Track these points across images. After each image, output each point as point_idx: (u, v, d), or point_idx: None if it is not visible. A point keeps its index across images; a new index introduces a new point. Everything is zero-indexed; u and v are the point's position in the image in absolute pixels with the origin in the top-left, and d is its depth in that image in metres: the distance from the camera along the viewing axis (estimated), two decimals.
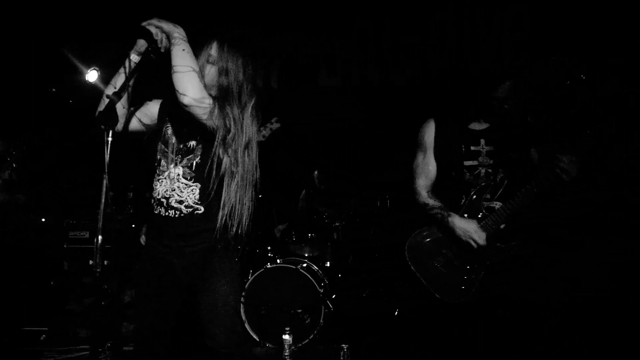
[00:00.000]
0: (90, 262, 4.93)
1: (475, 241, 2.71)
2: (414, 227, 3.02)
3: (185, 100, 2.09)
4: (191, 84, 2.10)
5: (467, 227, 2.73)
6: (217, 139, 2.24)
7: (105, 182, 1.88)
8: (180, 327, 2.51)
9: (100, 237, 1.89)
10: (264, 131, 3.87)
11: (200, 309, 2.32)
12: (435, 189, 2.96)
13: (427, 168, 2.96)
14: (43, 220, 5.07)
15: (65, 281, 4.93)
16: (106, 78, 5.68)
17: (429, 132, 2.97)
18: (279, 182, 5.98)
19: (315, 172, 5.86)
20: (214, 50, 2.34)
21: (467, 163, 2.85)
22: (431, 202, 2.89)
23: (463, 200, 2.83)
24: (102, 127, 1.87)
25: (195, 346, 2.50)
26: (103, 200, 1.90)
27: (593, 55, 4.51)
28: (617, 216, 3.74)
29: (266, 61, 6.23)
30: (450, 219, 2.77)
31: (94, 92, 5.83)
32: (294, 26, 5.84)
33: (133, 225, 4.86)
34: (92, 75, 5.97)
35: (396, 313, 4.52)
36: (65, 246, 4.95)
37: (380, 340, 4.22)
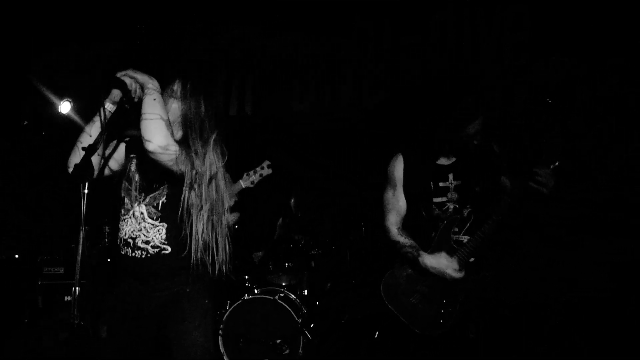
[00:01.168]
0: (67, 297, 4.86)
1: (450, 275, 2.75)
2: (389, 252, 3.06)
3: (151, 147, 2.12)
4: (158, 131, 2.13)
5: (439, 264, 2.77)
6: (185, 183, 2.26)
7: (82, 233, 1.89)
8: None
9: (77, 289, 1.90)
10: (253, 176, 3.78)
11: (172, 351, 2.31)
12: (406, 224, 3.01)
13: (397, 204, 3.01)
14: (16, 256, 5.00)
15: (39, 318, 4.85)
16: (79, 109, 5.71)
17: (398, 168, 3.01)
18: (255, 209, 5.99)
19: (292, 200, 5.89)
20: (176, 86, 2.40)
21: (436, 200, 2.91)
22: (402, 239, 2.94)
23: (433, 234, 2.89)
24: (80, 181, 1.89)
25: None
26: (80, 251, 1.91)
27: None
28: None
29: (238, 86, 6.25)
30: (420, 259, 2.81)
31: (68, 123, 5.81)
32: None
33: (109, 260, 4.82)
34: (65, 107, 5.95)
35: (376, 336, 4.54)
36: (39, 282, 4.87)
37: None
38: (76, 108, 5.94)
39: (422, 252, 2.83)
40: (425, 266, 2.80)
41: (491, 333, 2.83)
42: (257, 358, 4.29)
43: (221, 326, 4.40)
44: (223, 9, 5.77)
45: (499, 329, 2.86)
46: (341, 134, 6.19)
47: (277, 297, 4.53)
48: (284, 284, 4.99)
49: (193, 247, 2.28)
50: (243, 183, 3.87)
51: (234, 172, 3.59)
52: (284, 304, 4.47)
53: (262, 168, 3.85)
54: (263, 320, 4.46)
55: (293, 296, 4.77)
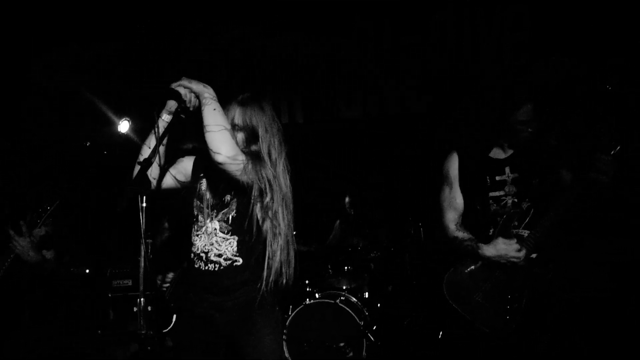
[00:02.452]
0: (135, 308, 5.02)
1: (514, 257, 2.69)
2: (448, 252, 3.02)
3: (219, 158, 2.12)
4: (224, 142, 2.13)
5: (498, 250, 2.72)
6: (252, 194, 2.29)
7: (143, 247, 1.95)
8: None
9: (143, 300, 1.96)
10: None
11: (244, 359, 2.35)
12: (464, 222, 2.97)
13: (454, 201, 2.98)
14: (87, 271, 5.21)
15: (111, 329, 5.04)
16: (138, 129, 5.90)
17: (453, 166, 2.99)
18: (312, 213, 6.03)
19: (347, 198, 5.88)
20: (237, 117, 2.37)
21: (492, 194, 2.86)
22: (460, 234, 2.90)
23: (491, 231, 2.83)
24: (137, 194, 1.95)
25: None
26: (142, 265, 1.97)
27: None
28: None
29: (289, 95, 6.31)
30: (480, 250, 2.77)
31: (127, 143, 6.03)
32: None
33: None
34: (124, 126, 6.16)
35: (440, 336, 4.48)
36: (109, 295, 5.07)
37: None
38: (135, 126, 6.17)
39: (480, 244, 2.79)
40: (485, 256, 2.75)
41: (560, 331, 2.75)
42: None
43: (285, 331, 4.44)
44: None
45: (567, 326, 2.77)
46: (391, 137, 6.17)
47: (338, 300, 4.53)
48: (344, 288, 4.99)
49: (267, 261, 2.32)
50: None
51: None
52: (345, 307, 4.47)
53: None
54: (325, 324, 4.47)
55: (354, 299, 4.76)
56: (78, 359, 4.95)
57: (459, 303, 2.82)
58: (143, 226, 1.93)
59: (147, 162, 2.06)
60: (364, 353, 4.34)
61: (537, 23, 5.04)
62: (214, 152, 2.13)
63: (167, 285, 3.29)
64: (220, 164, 2.15)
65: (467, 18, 5.35)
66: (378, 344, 4.48)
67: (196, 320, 2.41)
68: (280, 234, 2.33)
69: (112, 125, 6.22)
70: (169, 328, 4.26)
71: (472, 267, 2.85)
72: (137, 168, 2.08)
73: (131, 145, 6.03)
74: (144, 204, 1.97)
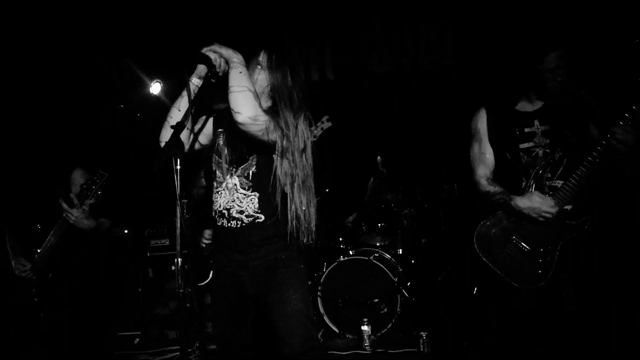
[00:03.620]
0: (173, 267, 5.15)
1: (547, 212, 2.65)
2: (484, 209, 2.98)
3: (240, 118, 2.15)
4: (246, 102, 2.16)
5: (532, 203, 2.68)
6: (276, 152, 2.29)
7: (178, 208, 1.97)
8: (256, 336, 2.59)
9: (180, 260, 2.00)
10: (315, 131, 3.84)
11: (273, 319, 2.37)
12: (495, 176, 2.92)
13: (484, 157, 2.93)
14: (126, 232, 5.35)
15: (151, 287, 5.20)
16: (168, 90, 5.91)
17: (481, 121, 2.95)
18: (344, 172, 6.01)
19: (378, 157, 5.84)
20: (262, 57, 2.42)
21: (522, 146, 2.82)
22: (492, 188, 2.85)
23: (524, 184, 2.78)
24: (171, 157, 1.96)
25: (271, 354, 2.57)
26: (178, 225, 1.99)
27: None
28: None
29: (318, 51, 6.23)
30: (513, 202, 2.73)
31: (159, 104, 6.07)
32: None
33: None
34: (155, 88, 6.20)
35: (475, 292, 4.48)
36: (148, 254, 5.21)
37: (460, 325, 4.19)
38: (166, 88, 6.19)
39: (513, 196, 2.74)
40: (518, 208, 2.71)
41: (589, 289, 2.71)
42: (356, 317, 4.36)
43: (319, 288, 4.51)
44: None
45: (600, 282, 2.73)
46: (424, 92, 6.06)
47: (372, 257, 4.56)
48: (378, 244, 5.02)
49: (289, 215, 2.33)
50: None
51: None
52: (379, 264, 4.50)
53: (322, 122, 3.91)
54: (359, 280, 4.52)
55: (388, 256, 4.79)
56: (121, 316, 5.17)
57: (489, 256, 2.79)
58: (178, 188, 1.94)
59: (181, 126, 2.06)
60: (398, 309, 4.39)
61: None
62: (235, 112, 2.16)
63: (208, 242, 3.35)
64: (241, 124, 2.17)
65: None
66: (412, 300, 4.52)
67: (226, 278, 2.45)
68: (297, 180, 2.33)
69: (144, 87, 6.27)
70: (205, 282, 4.37)
71: (504, 220, 2.82)
72: (170, 131, 2.09)
73: (163, 106, 6.09)
74: (178, 167, 1.98)
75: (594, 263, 2.88)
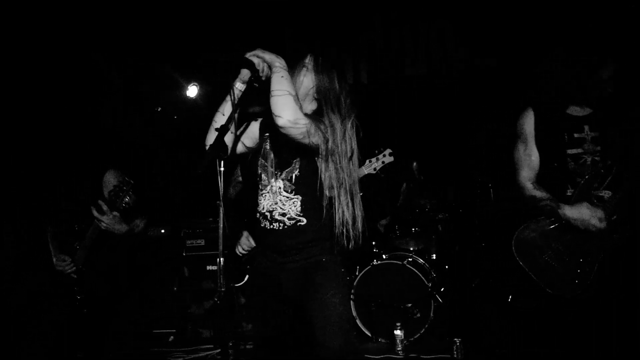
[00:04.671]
0: (209, 267, 5.24)
1: (595, 225, 2.60)
2: (519, 215, 2.94)
3: (280, 122, 2.17)
4: (286, 106, 2.18)
5: (581, 215, 2.63)
6: (319, 155, 2.31)
7: (221, 209, 2.01)
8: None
9: (222, 260, 2.04)
10: (375, 164, 3.78)
11: (311, 321, 2.35)
12: (539, 180, 2.87)
13: (529, 159, 2.87)
14: (162, 231, 5.46)
15: (186, 286, 5.29)
16: (206, 94, 5.99)
17: (529, 122, 2.88)
18: (378, 176, 5.99)
19: (414, 164, 5.82)
20: (308, 60, 2.44)
21: (570, 151, 2.76)
22: (538, 193, 2.80)
23: (569, 191, 2.74)
24: (215, 159, 2.00)
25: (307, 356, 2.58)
26: (221, 225, 2.04)
27: None
28: None
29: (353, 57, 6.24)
30: (560, 210, 2.68)
31: (195, 108, 6.16)
32: None
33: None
34: (192, 91, 6.31)
35: (509, 299, 4.42)
36: (184, 254, 5.30)
37: (493, 332, 4.15)
38: (203, 91, 6.29)
39: (561, 204, 2.69)
40: (565, 217, 2.66)
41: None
42: (389, 322, 4.35)
43: (352, 291, 4.52)
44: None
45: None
46: (458, 95, 6.01)
47: (405, 262, 4.56)
48: (411, 249, 5.01)
49: (335, 220, 2.33)
50: (365, 169, 3.89)
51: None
52: (413, 269, 4.49)
53: (384, 155, 3.79)
54: (393, 284, 4.52)
55: (421, 260, 4.78)
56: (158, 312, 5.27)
57: (526, 261, 2.75)
58: (221, 189, 1.98)
59: (225, 128, 2.10)
60: (431, 314, 4.37)
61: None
62: (276, 116, 2.18)
63: (244, 252, 3.39)
64: (281, 127, 2.19)
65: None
66: (446, 306, 4.50)
67: (264, 279, 2.48)
68: (345, 186, 2.33)
69: (181, 90, 6.37)
70: (241, 284, 4.42)
71: (546, 226, 2.77)
72: (214, 134, 2.13)
73: (199, 109, 6.18)
74: (222, 168, 2.02)
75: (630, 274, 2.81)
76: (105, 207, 3.10)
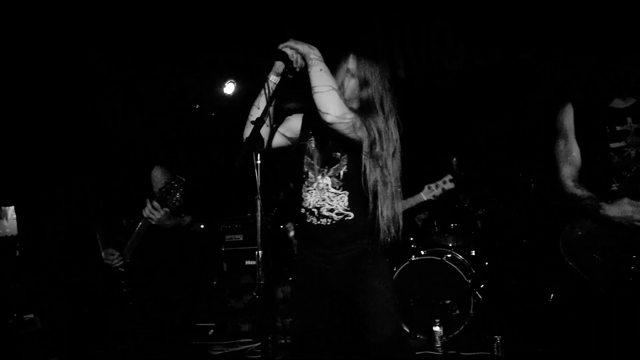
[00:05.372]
0: (247, 262, 5.29)
1: (638, 220, 2.51)
2: (561, 211, 2.87)
3: (328, 118, 2.18)
4: (332, 102, 2.18)
5: (623, 212, 2.54)
6: (363, 149, 2.31)
7: (259, 202, 2.03)
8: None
9: (261, 253, 2.05)
10: (435, 191, 3.76)
11: (360, 309, 2.38)
12: (582, 177, 2.79)
13: (570, 155, 2.80)
14: (202, 226, 5.55)
15: (225, 281, 5.36)
16: (242, 90, 6.03)
17: (568, 116, 2.82)
18: (415, 171, 5.93)
19: (454, 159, 5.73)
20: (351, 63, 2.43)
21: (613, 145, 2.68)
22: (579, 192, 2.73)
23: (615, 186, 2.65)
24: (252, 152, 2.02)
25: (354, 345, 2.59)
26: (259, 219, 2.05)
27: None
28: None
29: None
30: (601, 210, 2.60)
31: (233, 104, 6.22)
32: None
33: (281, 226, 5.15)
34: (229, 88, 6.38)
35: (551, 299, 4.32)
36: (222, 249, 5.38)
37: (535, 330, 4.06)
38: (240, 88, 6.35)
39: (602, 203, 2.61)
40: (607, 216, 2.58)
41: None
42: (427, 318, 4.31)
43: None
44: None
45: None
46: (497, 89, 5.89)
47: (444, 257, 4.50)
48: (450, 245, 4.95)
49: (377, 214, 2.33)
50: (425, 196, 3.87)
51: None
52: (452, 265, 4.43)
53: (445, 182, 3.83)
54: (431, 280, 4.47)
55: (461, 257, 4.71)
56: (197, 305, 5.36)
57: (575, 261, 2.68)
58: (258, 182, 2.00)
59: (260, 121, 2.12)
60: (471, 311, 4.31)
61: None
62: (323, 113, 2.18)
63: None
64: (329, 124, 2.20)
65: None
66: (486, 303, 4.42)
67: (310, 273, 2.50)
68: (389, 186, 2.34)
69: (218, 88, 6.45)
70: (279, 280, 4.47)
71: (592, 224, 2.69)
72: (250, 127, 2.15)
73: (237, 106, 6.24)
74: (259, 161, 2.04)
75: None
76: (157, 205, 3.15)
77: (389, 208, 2.33)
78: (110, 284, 3.32)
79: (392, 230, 2.34)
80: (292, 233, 3.31)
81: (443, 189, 3.74)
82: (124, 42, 5.56)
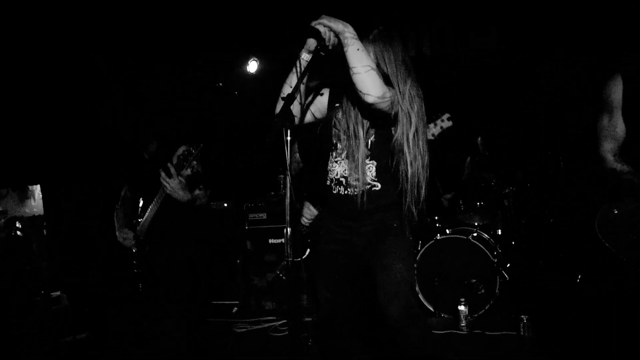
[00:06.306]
0: (270, 240, 5.30)
1: None
2: (591, 190, 2.80)
3: (370, 99, 2.14)
4: (373, 82, 2.13)
5: None
6: (393, 121, 2.28)
7: (288, 178, 2.01)
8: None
9: (289, 230, 2.04)
10: (433, 129, 3.64)
11: (377, 285, 2.38)
12: (624, 153, 2.68)
13: (614, 130, 2.67)
14: (225, 205, 5.57)
15: (249, 259, 5.39)
16: (265, 69, 5.98)
17: (616, 90, 2.66)
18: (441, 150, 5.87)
19: (479, 139, 5.65)
20: (373, 33, 2.38)
21: None
22: (619, 166, 2.62)
23: None
24: (282, 128, 1.99)
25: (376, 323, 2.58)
26: (288, 195, 2.03)
27: None
28: None
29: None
30: None
31: (256, 82, 6.18)
32: None
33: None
34: (252, 66, 6.35)
35: (578, 280, 4.25)
36: (246, 227, 5.39)
37: (563, 311, 4.01)
38: (263, 66, 6.31)
39: None
40: None
41: None
42: (452, 297, 4.28)
43: (415, 265, 4.46)
44: None
45: None
46: (526, 66, 5.78)
47: (470, 236, 4.45)
48: (476, 224, 4.89)
49: (404, 186, 2.31)
50: None
51: None
52: (478, 244, 4.39)
53: (442, 120, 3.56)
54: (457, 259, 4.44)
55: (486, 236, 4.66)
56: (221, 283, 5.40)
57: (614, 243, 2.60)
58: (288, 159, 1.98)
59: (291, 98, 2.08)
60: (497, 290, 4.27)
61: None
62: (364, 94, 2.14)
63: (307, 222, 3.38)
64: (371, 104, 2.16)
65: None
66: (512, 282, 4.38)
67: (335, 245, 2.48)
68: (416, 159, 2.30)
69: (241, 66, 6.42)
70: (303, 257, 4.45)
71: (631, 204, 2.59)
72: (281, 103, 2.12)
73: (260, 84, 6.21)
74: (289, 138, 2.01)
75: None
76: (173, 170, 3.12)
77: (412, 174, 2.29)
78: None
79: (414, 200, 2.30)
80: (306, 210, 3.27)
81: (442, 127, 3.57)
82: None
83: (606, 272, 2.71)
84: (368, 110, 2.25)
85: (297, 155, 4.59)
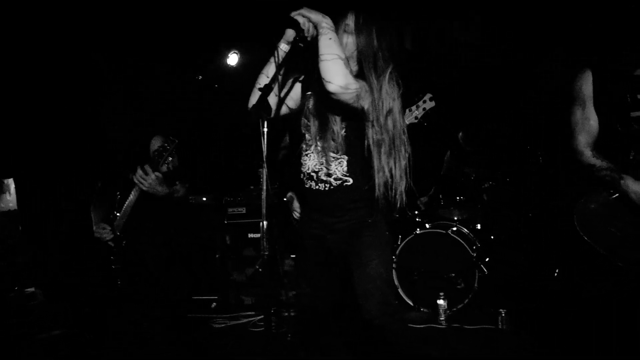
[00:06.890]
0: (250, 234, 5.25)
1: None
2: (571, 184, 2.80)
3: (332, 87, 2.10)
4: (337, 71, 2.10)
5: None
6: (367, 117, 2.24)
7: (264, 171, 1.97)
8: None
9: (265, 223, 2.00)
10: (416, 111, 3.59)
11: (353, 282, 2.35)
12: (599, 146, 2.70)
13: (587, 123, 2.69)
14: (204, 199, 5.50)
15: (228, 254, 5.33)
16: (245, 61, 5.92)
17: (586, 83, 2.69)
18: (421, 144, 5.86)
19: (460, 133, 5.64)
20: (349, 19, 2.35)
21: (634, 114, 2.56)
22: (598, 162, 2.63)
23: (632, 155, 2.56)
24: (258, 119, 1.95)
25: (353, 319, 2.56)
26: (265, 188, 1.99)
27: None
28: None
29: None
30: (623, 182, 2.51)
31: (236, 75, 6.11)
32: None
33: (284, 199, 5.09)
34: (232, 59, 6.28)
35: (556, 274, 4.29)
36: (225, 222, 5.34)
37: (540, 305, 4.04)
38: (243, 59, 6.24)
39: (623, 175, 2.53)
40: (626, 190, 2.50)
41: None
42: (431, 291, 4.29)
43: (394, 260, 4.46)
44: None
45: None
46: (507, 61, 5.81)
47: (449, 231, 4.46)
48: (455, 218, 4.91)
49: (376, 180, 2.28)
50: (407, 120, 3.71)
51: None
52: (457, 238, 4.40)
53: (424, 102, 3.52)
54: (436, 254, 4.44)
55: (466, 230, 4.67)
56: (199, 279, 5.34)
57: (591, 235, 2.60)
58: (264, 151, 1.94)
59: (268, 88, 2.04)
60: (475, 285, 4.28)
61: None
62: (327, 82, 2.11)
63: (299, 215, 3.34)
64: (332, 93, 2.13)
65: None
66: (491, 276, 4.39)
67: (312, 240, 2.46)
68: (384, 142, 2.27)
69: (222, 58, 6.35)
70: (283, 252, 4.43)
71: (609, 196, 2.61)
72: (256, 93, 2.08)
73: (240, 77, 6.14)
74: (265, 129, 1.97)
75: None
76: (148, 169, 3.08)
77: (386, 170, 2.26)
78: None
79: (390, 196, 2.28)
80: (295, 204, 3.22)
81: (424, 109, 3.53)
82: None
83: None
84: (332, 101, 2.21)
85: (287, 138, 4.53)
